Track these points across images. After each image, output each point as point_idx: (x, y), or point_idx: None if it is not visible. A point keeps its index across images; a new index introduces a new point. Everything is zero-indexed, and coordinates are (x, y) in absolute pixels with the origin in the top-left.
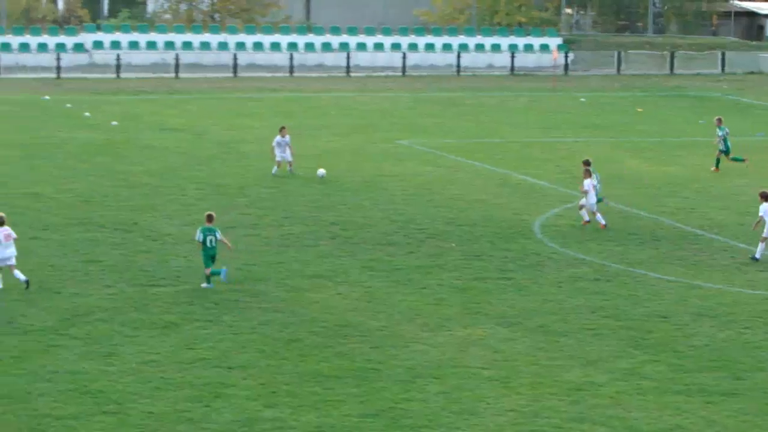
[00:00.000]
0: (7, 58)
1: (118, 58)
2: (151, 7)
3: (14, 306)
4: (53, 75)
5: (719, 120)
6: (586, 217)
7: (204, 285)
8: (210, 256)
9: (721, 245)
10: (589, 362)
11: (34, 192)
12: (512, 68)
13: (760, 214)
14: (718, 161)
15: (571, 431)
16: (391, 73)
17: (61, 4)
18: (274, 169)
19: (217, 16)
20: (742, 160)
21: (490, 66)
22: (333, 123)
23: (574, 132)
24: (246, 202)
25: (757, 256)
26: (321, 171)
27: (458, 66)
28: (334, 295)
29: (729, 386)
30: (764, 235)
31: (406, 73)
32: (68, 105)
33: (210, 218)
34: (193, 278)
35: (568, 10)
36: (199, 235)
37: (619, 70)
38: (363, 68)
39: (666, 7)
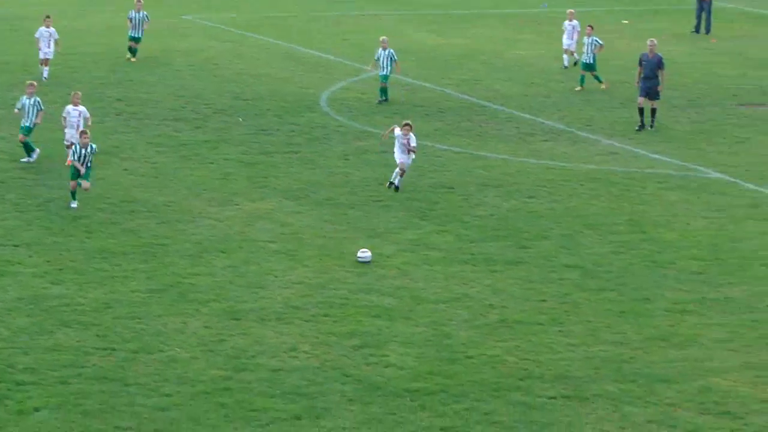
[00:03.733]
0: None
1: None
2: None
3: None
4: None
5: None
6: None
7: None
8: None
9: (506, 116)
10: (376, 234)
11: None
12: None
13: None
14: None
15: (359, 302)
16: None
17: None
18: (44, 72)
19: None
20: None
21: None
22: None
23: (360, 5)
24: (29, 80)
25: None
26: (365, 256)
27: None
28: (121, 171)
29: (514, 255)
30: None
31: None
32: None
33: None
34: None
35: None
36: None
37: None
38: None
39: None
